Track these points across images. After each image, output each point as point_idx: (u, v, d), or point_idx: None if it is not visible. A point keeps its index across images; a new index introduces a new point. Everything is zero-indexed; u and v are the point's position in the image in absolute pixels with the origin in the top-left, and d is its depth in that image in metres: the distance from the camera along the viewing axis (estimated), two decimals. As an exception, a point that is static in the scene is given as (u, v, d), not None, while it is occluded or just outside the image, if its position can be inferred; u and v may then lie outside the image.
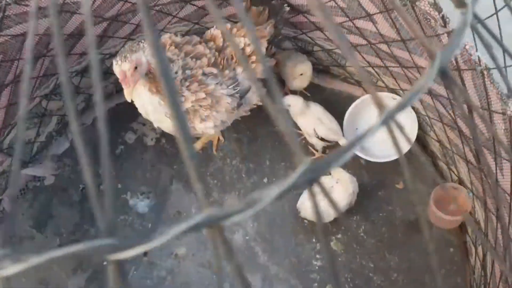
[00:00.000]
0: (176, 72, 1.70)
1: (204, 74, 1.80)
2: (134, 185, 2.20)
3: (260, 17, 1.99)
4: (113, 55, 2.15)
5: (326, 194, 0.33)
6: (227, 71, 1.87)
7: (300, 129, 2.14)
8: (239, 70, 1.92)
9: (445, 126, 1.82)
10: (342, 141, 2.11)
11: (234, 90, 1.88)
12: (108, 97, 2.29)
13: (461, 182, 1.97)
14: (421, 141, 2.26)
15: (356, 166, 2.19)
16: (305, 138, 2.29)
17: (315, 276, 2.01)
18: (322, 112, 2.08)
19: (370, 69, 2.12)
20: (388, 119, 0.33)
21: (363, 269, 2.03)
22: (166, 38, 1.79)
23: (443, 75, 0.35)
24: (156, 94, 1.68)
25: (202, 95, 1.76)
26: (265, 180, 2.22)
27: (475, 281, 1.93)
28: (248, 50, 1.91)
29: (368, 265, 2.04)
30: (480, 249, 1.86)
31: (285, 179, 0.31)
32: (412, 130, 2.10)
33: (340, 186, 1.90)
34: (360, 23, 1.81)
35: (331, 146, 2.25)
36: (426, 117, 2.01)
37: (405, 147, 2.09)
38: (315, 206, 0.33)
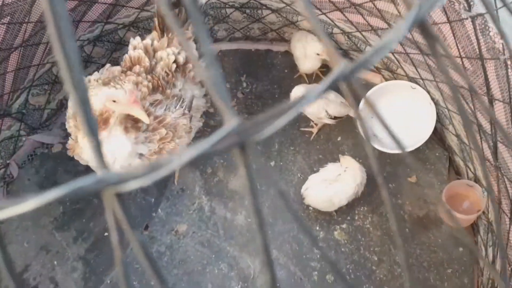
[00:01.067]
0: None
1: (150, 104, 1.64)
2: (140, 158, 2.18)
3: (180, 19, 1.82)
4: (126, 25, 2.12)
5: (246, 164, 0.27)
6: (168, 91, 1.71)
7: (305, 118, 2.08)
8: (178, 83, 1.77)
9: (464, 119, 1.72)
10: (353, 112, 2.03)
11: (182, 107, 1.73)
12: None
13: (476, 180, 1.87)
14: (438, 134, 2.16)
15: (367, 156, 2.10)
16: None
17: (315, 264, 1.96)
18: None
19: (390, 55, 2.02)
20: (344, 78, 0.27)
21: (366, 261, 1.97)
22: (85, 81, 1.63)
23: (421, 27, 0.28)
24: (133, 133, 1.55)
25: (163, 131, 1.61)
26: (272, 163, 2.17)
27: (482, 283, 1.84)
28: (181, 59, 1.77)
29: (371, 258, 1.98)
30: (490, 251, 1.77)
31: (205, 139, 0.26)
32: (430, 123, 2.00)
33: (348, 175, 1.83)
34: (381, 4, 1.71)
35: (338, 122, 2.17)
36: (446, 109, 1.91)
37: (422, 139, 2.00)
38: (246, 171, 0.27)
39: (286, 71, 2.34)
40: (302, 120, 2.25)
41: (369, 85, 2.19)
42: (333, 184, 1.84)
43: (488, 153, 1.61)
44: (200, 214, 2.07)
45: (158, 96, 1.67)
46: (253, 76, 2.36)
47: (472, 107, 1.58)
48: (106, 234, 2.03)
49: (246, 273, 1.95)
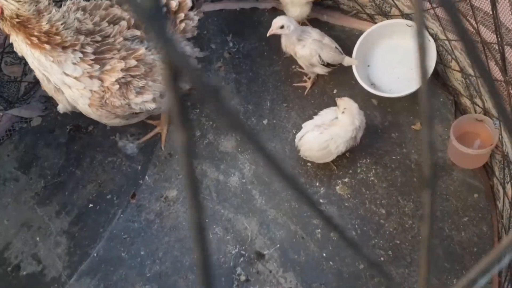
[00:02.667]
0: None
1: (126, 39, 1.53)
2: (124, 126, 2.04)
3: None
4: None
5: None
6: None
7: (297, 64, 1.93)
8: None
9: (467, 44, 1.57)
10: (347, 61, 1.88)
11: None
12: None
13: (486, 113, 1.71)
14: (441, 79, 2.01)
15: (367, 107, 1.95)
16: (297, 66, 2.07)
17: (317, 221, 1.80)
18: (320, 34, 1.86)
19: (382, -8, 1.89)
20: None
21: (373, 215, 1.81)
22: (69, 3, 1.51)
23: None
24: (37, 48, 1.39)
25: (133, 62, 1.48)
26: (265, 121, 2.02)
27: (503, 227, 1.67)
28: (174, 5, 1.64)
29: (379, 211, 1.81)
30: (509, 187, 1.60)
31: None
32: (430, 61, 1.85)
33: (345, 117, 1.68)
34: None
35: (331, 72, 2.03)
36: (446, 42, 1.76)
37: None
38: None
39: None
40: (294, 75, 2.11)
41: (358, 33, 2.06)
42: (329, 128, 1.69)
43: (496, 73, 1.46)
44: (191, 178, 1.91)
45: (137, 32, 1.55)
46: (239, 35, 2.23)
47: (474, 23, 1.43)
48: (90, 205, 1.89)
49: (243, 235, 1.79)
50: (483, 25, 1.40)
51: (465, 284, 0.33)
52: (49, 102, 2.12)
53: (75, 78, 1.43)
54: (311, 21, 2.17)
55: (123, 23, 1.53)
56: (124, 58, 1.47)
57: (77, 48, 1.40)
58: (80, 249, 1.81)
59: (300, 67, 2.06)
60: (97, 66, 1.44)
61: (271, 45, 2.19)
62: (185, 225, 1.83)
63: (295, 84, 2.08)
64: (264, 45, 2.20)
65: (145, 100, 1.55)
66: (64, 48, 1.38)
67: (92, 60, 1.42)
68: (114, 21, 1.54)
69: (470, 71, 1.67)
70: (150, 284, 1.73)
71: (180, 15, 1.69)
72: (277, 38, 2.15)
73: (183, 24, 1.70)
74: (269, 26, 2.21)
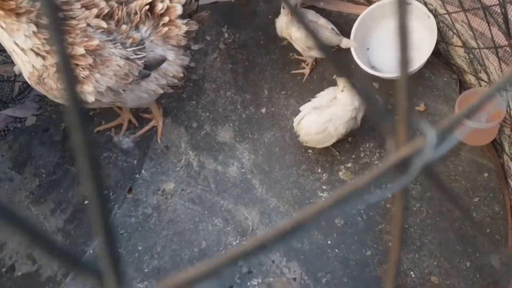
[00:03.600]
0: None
1: (89, 25, 1.45)
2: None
3: None
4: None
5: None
6: (124, 26, 1.51)
7: (293, 47, 1.88)
8: (144, 30, 1.56)
9: (467, 13, 1.51)
10: (344, 43, 1.82)
11: (136, 54, 1.52)
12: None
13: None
14: (443, 58, 1.94)
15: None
16: (295, 54, 2.02)
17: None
18: (315, 15, 1.81)
19: (376, -29, 1.84)
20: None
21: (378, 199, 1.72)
22: None
23: None
24: None
25: (81, 51, 1.40)
26: (263, 110, 1.97)
27: (516, 205, 1.58)
28: (160, 7, 1.56)
29: (384, 196, 1.73)
30: None
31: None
32: (431, 39, 1.79)
33: (345, 96, 1.61)
34: None
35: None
36: (446, 16, 1.70)
37: (422, 58, 1.79)
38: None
39: (270, 17, 2.16)
40: (292, 63, 2.06)
41: (355, 18, 2.00)
42: (327, 109, 1.63)
43: (500, 38, 1.39)
44: (188, 170, 1.86)
45: (103, 24, 1.47)
46: (235, 26, 2.19)
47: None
48: (86, 202, 1.83)
49: (243, 225, 1.72)
50: (482, -12, 1.34)
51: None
52: (44, 101, 2.09)
53: (23, 49, 1.38)
54: (308, 8, 2.12)
55: (94, 10, 1.47)
56: (73, 44, 1.40)
57: (32, 16, 1.35)
58: (76, 247, 1.75)
59: (298, 54, 2.01)
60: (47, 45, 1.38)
61: (268, 34, 2.14)
62: (183, 217, 1.76)
63: (293, 71, 2.03)
64: (260, 34, 2.16)
65: (84, 90, 1.47)
66: (18, 15, 1.33)
67: (44, 37, 1.37)
68: (88, 6, 1.47)
69: (473, 43, 1.60)
70: (148, 280, 1.66)
71: (164, 18, 1.60)
72: (273, 27, 2.10)
73: (165, 29, 1.60)
74: (266, 15, 2.18)
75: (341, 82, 1.64)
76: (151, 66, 1.59)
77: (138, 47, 1.54)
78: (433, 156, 0.26)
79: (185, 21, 1.64)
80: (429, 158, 0.27)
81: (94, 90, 1.47)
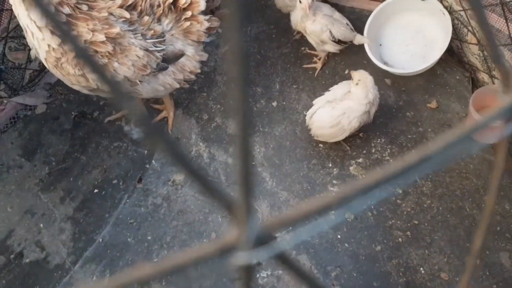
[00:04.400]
0: None
1: (112, 14, 1.45)
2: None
3: None
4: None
5: None
6: (146, 18, 1.51)
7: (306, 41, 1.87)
8: (166, 23, 1.56)
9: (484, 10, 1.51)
10: (358, 39, 1.82)
11: (156, 46, 1.52)
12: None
13: (506, 84, 1.63)
14: (456, 56, 1.94)
15: (381, 87, 1.88)
16: (307, 48, 2.02)
17: (331, 203, 1.72)
18: (330, 9, 1.81)
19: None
20: None
21: (389, 195, 1.72)
22: None
23: None
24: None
25: (101, 37, 1.40)
26: (274, 103, 1.96)
27: (527, 203, 1.58)
28: (183, 1, 1.56)
29: (395, 191, 1.73)
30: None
31: None
32: (446, 35, 1.79)
33: (359, 89, 1.61)
34: None
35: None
36: (462, 13, 1.69)
37: (436, 55, 1.79)
38: None
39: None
40: (304, 57, 2.06)
41: (368, 14, 2.00)
42: (341, 103, 1.62)
43: (517, 35, 1.38)
44: (199, 161, 1.85)
45: (125, 14, 1.47)
46: (246, 19, 2.18)
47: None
48: (95, 191, 1.83)
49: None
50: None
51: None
52: (54, 89, 2.09)
53: (38, 27, 1.37)
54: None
55: (118, 1, 1.47)
56: (94, 31, 1.40)
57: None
58: (85, 235, 1.75)
59: (310, 48, 2.01)
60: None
61: (279, 28, 2.14)
62: (193, 208, 1.76)
63: (305, 66, 2.02)
64: (272, 28, 2.16)
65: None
66: None
67: (63, 20, 1.37)
68: None
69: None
70: (157, 270, 1.66)
71: (187, 12, 1.60)
72: (285, 21, 2.10)
73: (187, 23, 1.61)
74: (277, 9, 2.17)
75: (356, 75, 1.63)
76: (170, 59, 1.59)
77: (158, 40, 1.53)
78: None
79: (207, 17, 1.64)
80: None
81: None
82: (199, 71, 1.71)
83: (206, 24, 1.62)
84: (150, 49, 1.50)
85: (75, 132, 1.97)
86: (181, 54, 1.62)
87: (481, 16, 0.26)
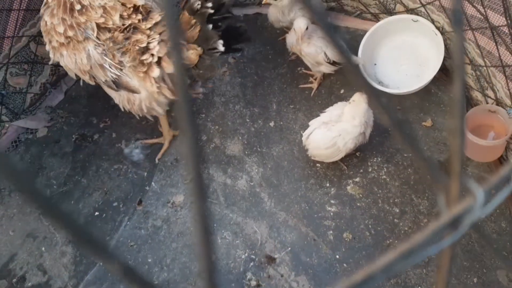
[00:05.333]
0: None
1: (87, 22, 1.55)
2: (130, 133, 2.03)
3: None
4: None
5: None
6: (111, 44, 1.57)
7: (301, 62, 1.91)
8: (127, 61, 1.59)
9: (475, 32, 1.54)
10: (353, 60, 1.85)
11: (110, 67, 1.58)
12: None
13: (498, 104, 1.66)
14: (450, 73, 1.97)
15: (376, 106, 1.91)
16: (303, 68, 2.05)
17: (329, 223, 1.74)
18: None
19: (385, -11, 1.87)
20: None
21: (386, 214, 1.74)
22: None
23: None
24: None
25: (61, 29, 1.53)
26: (272, 124, 1.99)
27: (523, 221, 1.60)
28: (147, 58, 1.56)
29: (392, 210, 1.75)
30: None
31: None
32: (439, 55, 1.82)
33: (349, 108, 1.63)
34: None
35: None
36: (453, 34, 1.72)
37: (430, 74, 1.82)
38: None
39: (278, 31, 2.20)
40: (300, 77, 2.09)
41: (363, 34, 2.03)
42: (336, 125, 1.65)
43: (508, 57, 1.41)
44: (198, 183, 1.88)
45: (94, 29, 1.57)
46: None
47: (481, 9, 1.40)
48: (96, 214, 1.85)
49: (252, 239, 1.74)
50: (490, 9, 1.36)
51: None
52: (55, 112, 2.12)
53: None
54: (315, 23, 2.15)
55: (102, 19, 1.58)
56: (62, 20, 1.54)
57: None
58: (86, 258, 1.76)
59: (306, 68, 2.04)
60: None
61: (276, 49, 2.18)
62: (193, 230, 1.78)
63: (301, 86, 2.06)
64: (268, 49, 2.19)
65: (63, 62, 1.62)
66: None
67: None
68: (105, 12, 1.58)
69: (480, 61, 1.63)
70: (158, 292, 1.67)
71: (145, 66, 1.59)
72: (281, 42, 2.14)
73: (141, 74, 1.60)
74: (273, 30, 2.21)
75: (355, 96, 1.66)
76: (121, 86, 1.63)
77: (116, 65, 1.58)
78: (481, 214, 0.29)
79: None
80: (477, 216, 0.29)
81: (56, 55, 1.61)
82: (152, 113, 1.74)
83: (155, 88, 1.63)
84: (104, 65, 1.58)
85: (76, 155, 2.00)
86: (133, 90, 1.64)
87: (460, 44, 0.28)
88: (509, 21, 1.25)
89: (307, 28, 1.75)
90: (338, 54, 0.27)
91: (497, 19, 1.35)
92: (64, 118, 2.10)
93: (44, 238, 1.83)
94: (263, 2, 1.97)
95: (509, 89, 1.49)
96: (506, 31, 1.31)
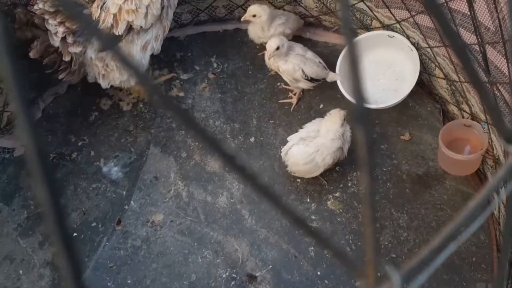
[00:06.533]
0: None
1: None
2: (108, 151, 2.01)
3: None
4: None
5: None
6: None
7: (280, 78, 1.92)
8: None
9: (448, 49, 1.56)
10: (330, 77, 1.87)
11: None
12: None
13: (474, 118, 1.68)
14: (426, 88, 2.00)
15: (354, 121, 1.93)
16: (283, 84, 2.06)
17: (310, 239, 1.74)
18: (302, 49, 1.86)
19: (362, 5, 1.90)
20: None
21: (366, 229, 1.75)
22: None
23: None
24: None
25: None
26: (252, 139, 1.99)
27: (501, 234, 1.62)
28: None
29: (372, 225, 1.75)
30: (503, 191, 1.55)
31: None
32: (414, 70, 1.84)
33: (325, 120, 1.65)
34: None
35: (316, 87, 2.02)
36: (428, 49, 1.75)
37: (407, 89, 1.84)
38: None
39: (258, 47, 2.20)
40: (280, 92, 2.10)
41: (341, 48, 2.05)
42: (314, 140, 1.66)
43: (480, 75, 1.43)
44: (178, 201, 1.86)
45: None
46: (223, 56, 2.22)
47: (453, 27, 1.42)
48: (74, 234, 1.82)
49: (233, 257, 1.73)
50: (462, 27, 1.39)
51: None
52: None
53: None
54: (294, 38, 2.17)
55: None
56: None
57: None
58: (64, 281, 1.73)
59: (285, 84, 2.05)
60: None
61: (256, 64, 2.18)
62: (173, 250, 1.76)
63: (281, 101, 2.06)
64: (248, 64, 2.20)
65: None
66: None
67: None
68: None
69: (455, 76, 1.65)
70: (138, 314, 1.65)
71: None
72: (261, 57, 2.14)
73: None
74: (253, 45, 2.21)
75: (333, 110, 1.68)
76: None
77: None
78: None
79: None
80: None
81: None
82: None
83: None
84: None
85: (54, 174, 1.96)
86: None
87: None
88: (479, 39, 1.28)
89: (277, 48, 1.76)
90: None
91: (469, 37, 1.38)
92: (42, 136, 2.07)
93: (21, 260, 1.79)
94: (241, 19, 1.98)
95: (482, 105, 1.51)
96: (478, 49, 1.33)
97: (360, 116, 0.27)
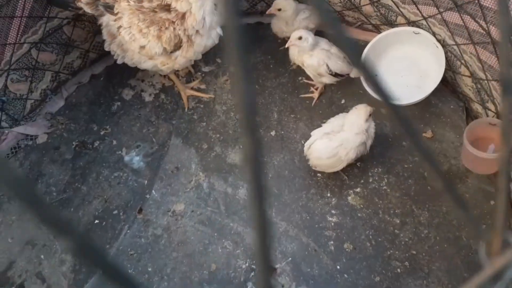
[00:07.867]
0: None
1: None
2: (130, 141, 2.02)
3: None
4: None
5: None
6: None
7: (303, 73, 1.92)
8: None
9: (476, 46, 1.55)
10: (354, 72, 1.86)
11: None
12: (106, 54, 2.14)
13: (499, 117, 1.67)
14: (450, 86, 1.99)
15: (377, 116, 1.91)
16: (304, 78, 2.06)
17: (330, 233, 1.74)
18: (328, 43, 1.86)
19: (388, 1, 1.89)
20: None
21: (387, 225, 1.75)
22: None
23: None
24: None
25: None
26: (273, 133, 1.99)
27: (523, 234, 1.60)
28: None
29: (393, 221, 1.75)
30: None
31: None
32: (439, 68, 1.83)
33: (351, 114, 1.66)
34: None
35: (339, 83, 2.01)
36: (455, 46, 1.74)
37: (431, 86, 1.83)
38: None
39: (279, 41, 2.20)
40: (301, 86, 2.10)
41: (364, 44, 2.05)
42: (338, 134, 1.66)
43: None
44: (198, 191, 1.88)
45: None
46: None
47: (484, 24, 1.42)
48: (96, 222, 1.84)
49: (253, 249, 1.73)
50: (493, 25, 1.38)
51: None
52: (55, 119, 2.11)
53: None
54: (317, 33, 2.17)
55: None
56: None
57: None
58: (86, 267, 1.75)
59: (307, 78, 2.05)
60: None
61: (277, 58, 2.19)
62: (193, 239, 1.77)
63: (302, 95, 2.06)
64: (270, 58, 2.20)
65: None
66: None
67: None
68: None
69: (481, 74, 1.64)
70: (158, 302, 1.67)
71: None
72: (282, 51, 2.15)
73: None
74: (274, 40, 2.22)
75: (359, 105, 1.68)
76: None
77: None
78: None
79: None
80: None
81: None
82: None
83: None
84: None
85: (76, 162, 1.99)
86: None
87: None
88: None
89: (300, 38, 1.76)
90: (348, 57, 0.28)
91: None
92: (64, 124, 2.09)
93: (43, 245, 1.81)
94: (267, 12, 1.98)
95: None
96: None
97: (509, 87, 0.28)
